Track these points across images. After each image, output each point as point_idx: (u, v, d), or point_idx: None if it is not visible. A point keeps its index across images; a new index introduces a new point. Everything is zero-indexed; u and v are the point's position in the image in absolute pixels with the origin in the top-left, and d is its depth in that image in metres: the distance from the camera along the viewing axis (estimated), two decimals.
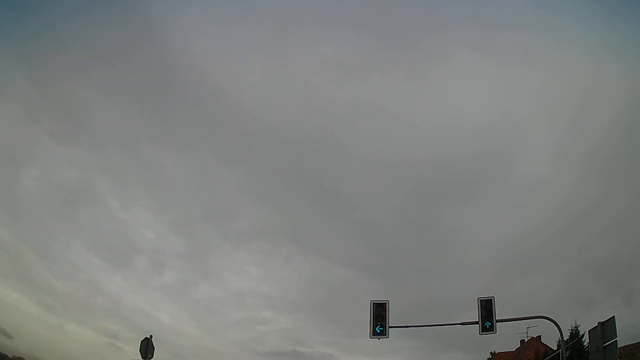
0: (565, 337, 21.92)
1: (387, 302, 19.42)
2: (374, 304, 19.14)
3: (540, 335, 41.99)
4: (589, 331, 17.44)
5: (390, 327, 19.07)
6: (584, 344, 29.89)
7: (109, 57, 72.17)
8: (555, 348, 35.53)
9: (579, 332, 32.57)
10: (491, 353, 50.95)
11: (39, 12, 62.00)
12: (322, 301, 75.81)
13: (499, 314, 18.72)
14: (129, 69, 76.49)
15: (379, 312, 19.02)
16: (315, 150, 78.33)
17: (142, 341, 20.46)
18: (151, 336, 20.81)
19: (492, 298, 18.84)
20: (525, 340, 43.65)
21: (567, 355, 26.10)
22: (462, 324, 19.30)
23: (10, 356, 38.55)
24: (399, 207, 75.74)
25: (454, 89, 70.39)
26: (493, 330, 18.57)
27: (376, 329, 18.93)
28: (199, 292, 75.13)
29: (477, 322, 18.90)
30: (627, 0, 59.58)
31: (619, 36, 60.64)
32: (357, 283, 75.39)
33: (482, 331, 18.66)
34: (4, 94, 60.71)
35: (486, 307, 18.69)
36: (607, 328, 15.66)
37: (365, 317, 18.90)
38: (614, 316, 15.65)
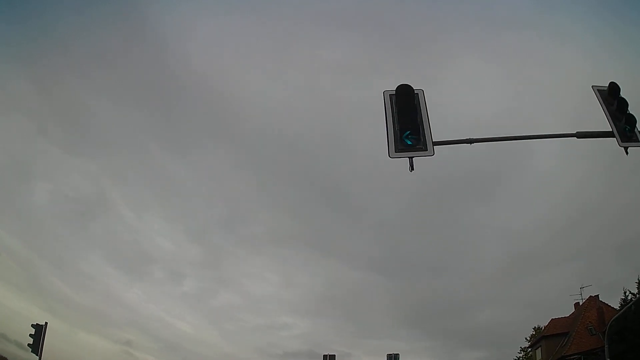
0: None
1: (420, 91, 9.60)
2: (392, 94, 9.35)
3: (598, 295, 38.18)
4: None
5: (436, 142, 9.24)
6: None
7: (115, 65, 72.01)
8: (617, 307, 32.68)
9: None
10: (534, 329, 45.64)
11: (39, 16, 60.99)
12: (340, 303, 75.09)
13: None
14: (136, 77, 76.59)
15: (406, 105, 9.20)
16: (325, 153, 78.81)
17: None
18: None
19: None
20: (581, 303, 39.35)
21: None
22: None
23: None
24: (410, 207, 74.90)
25: (459, 88, 68.95)
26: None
27: (403, 137, 9.05)
28: (217, 300, 75.33)
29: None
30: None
31: (617, 35, 60.36)
32: (374, 284, 74.89)
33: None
34: (11, 104, 61.06)
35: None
36: None
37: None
38: None
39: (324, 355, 27.72)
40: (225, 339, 70.39)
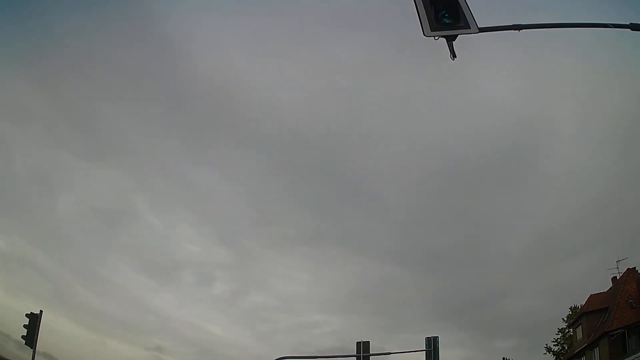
0: None
1: None
2: None
3: (635, 267, 36.28)
4: None
5: (481, 28, 7.33)
6: None
7: (132, 72, 71.01)
8: None
9: None
10: (570, 309, 43.63)
11: (41, 20, 57.88)
12: (371, 299, 74.49)
13: None
14: (154, 83, 75.37)
15: None
16: (349, 152, 77.34)
17: None
18: None
19: None
20: (618, 277, 37.36)
21: None
22: None
23: None
24: (435, 199, 74.43)
25: (480, 78, 65.89)
26: None
27: (440, 16, 7.09)
28: (248, 302, 74.25)
29: None
30: None
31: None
32: (403, 278, 73.19)
33: None
34: (24, 115, 60.00)
35: None
36: None
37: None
38: None
39: (357, 343, 25.72)
40: (257, 340, 67.97)
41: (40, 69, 62.26)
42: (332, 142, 76.43)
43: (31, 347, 22.89)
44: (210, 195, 79.37)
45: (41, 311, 23.17)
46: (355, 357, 25.26)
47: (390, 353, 26.96)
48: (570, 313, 42.71)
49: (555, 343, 43.59)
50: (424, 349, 25.51)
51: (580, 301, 40.71)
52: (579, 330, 37.18)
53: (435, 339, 25.62)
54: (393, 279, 73.52)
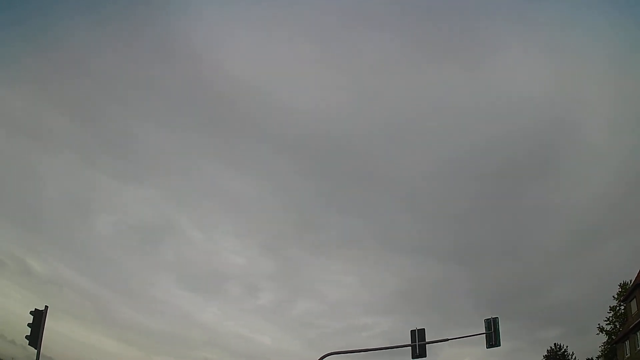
0: None
1: None
2: None
3: None
4: None
5: None
6: None
7: (161, 90, 71.53)
8: None
9: None
10: (619, 286, 41.12)
11: (80, 52, 61.30)
12: (417, 298, 74.36)
13: None
14: (184, 100, 74.69)
15: None
16: (384, 152, 78.06)
17: None
18: None
19: None
20: None
21: None
22: None
23: None
24: (473, 194, 74.23)
25: (509, 69, 68.25)
26: None
27: None
28: (296, 309, 74.27)
29: None
30: None
31: None
32: (448, 274, 73.78)
33: None
34: (56, 142, 61.44)
35: None
36: None
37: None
38: None
39: (411, 331, 23.05)
40: (306, 347, 66.88)
41: (72, 96, 64.62)
42: (368, 143, 78.00)
43: (35, 348, 19.91)
44: (251, 206, 79.63)
45: (46, 307, 20.09)
46: (410, 347, 22.30)
47: (447, 339, 23.71)
48: (621, 290, 39.88)
49: (608, 322, 40.84)
50: (484, 331, 22.46)
51: (630, 277, 38.35)
52: (633, 303, 34.35)
53: (495, 319, 22.53)
54: (436, 276, 73.84)
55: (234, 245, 76.97)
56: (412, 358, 22.27)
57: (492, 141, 71.73)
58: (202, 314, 69.28)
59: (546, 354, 45.09)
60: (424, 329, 22.63)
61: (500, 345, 22.43)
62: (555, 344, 45.29)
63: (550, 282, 64.73)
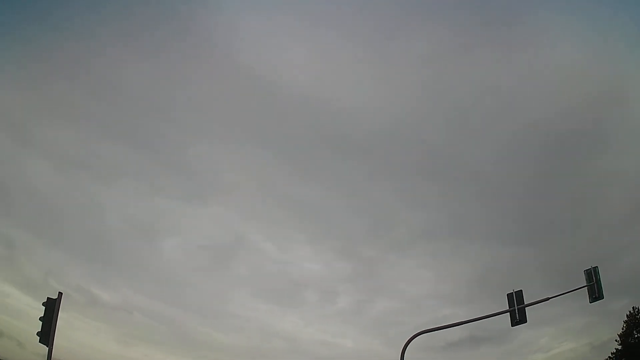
0: None
1: None
2: None
3: None
4: None
5: None
6: None
7: (220, 107, 73.77)
8: None
9: None
10: None
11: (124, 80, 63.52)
12: (492, 283, 68.68)
13: None
14: (236, 113, 76.56)
15: None
16: (447, 141, 76.82)
17: None
18: None
19: None
20: None
21: None
22: None
23: None
24: (536, 174, 72.81)
25: (559, 46, 68.70)
26: None
27: None
28: (375, 309, 72.65)
29: None
30: None
31: None
32: (517, 256, 70.91)
33: None
34: (119, 170, 63.85)
35: None
36: None
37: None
38: None
39: (508, 295, 20.73)
40: (388, 345, 62.05)
41: (121, 121, 66.92)
42: (430, 135, 76.64)
43: (46, 345, 16.74)
44: (320, 211, 79.90)
45: (60, 293, 17.32)
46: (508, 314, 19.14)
47: (548, 298, 20.12)
48: None
49: None
50: (585, 284, 18.64)
51: None
52: None
53: (595, 269, 19.21)
54: (507, 259, 71.66)
55: (308, 252, 76.18)
56: (512, 325, 19.90)
57: (547, 117, 71.02)
58: (282, 324, 69.08)
59: (626, 319, 41.32)
60: (521, 290, 20.13)
61: (603, 298, 19.58)
62: (633, 307, 41.65)
63: (617, 253, 60.70)
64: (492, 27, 76.35)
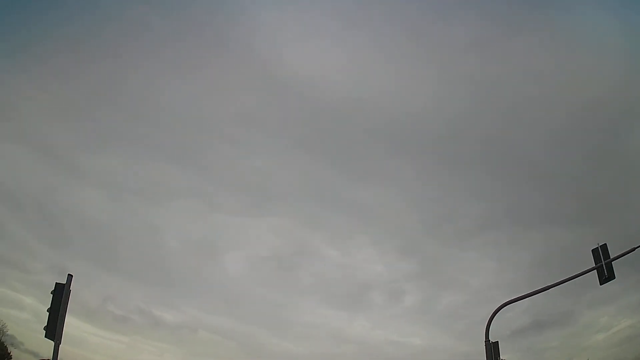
0: None
1: None
2: None
3: None
4: None
5: None
6: None
7: (256, 117, 74.23)
8: None
9: None
10: None
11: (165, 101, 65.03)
12: (553, 267, 66.91)
13: None
14: (283, 123, 78.20)
15: None
16: (500, 131, 78.32)
17: None
18: None
19: None
20: None
21: None
22: None
23: None
24: (586, 154, 74.07)
25: (595, 31, 70.41)
26: None
27: None
28: (441, 304, 73.77)
29: None
30: None
31: None
32: (573, 238, 69.43)
33: None
34: (179, 192, 64.45)
35: None
36: None
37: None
38: None
39: (593, 250, 19.76)
40: (457, 339, 65.26)
41: (175, 147, 68.87)
42: (481, 129, 77.68)
43: (52, 340, 13.68)
44: (379, 212, 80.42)
45: (70, 275, 14.48)
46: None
47: (637, 247, 18.48)
48: None
49: None
50: None
51: None
52: None
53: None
54: (564, 241, 71.54)
55: (371, 255, 77.11)
56: (600, 283, 18.74)
57: (595, 98, 71.90)
58: (351, 328, 69.92)
59: None
60: (605, 244, 19.11)
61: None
62: None
63: None
64: (531, 13, 78.72)
